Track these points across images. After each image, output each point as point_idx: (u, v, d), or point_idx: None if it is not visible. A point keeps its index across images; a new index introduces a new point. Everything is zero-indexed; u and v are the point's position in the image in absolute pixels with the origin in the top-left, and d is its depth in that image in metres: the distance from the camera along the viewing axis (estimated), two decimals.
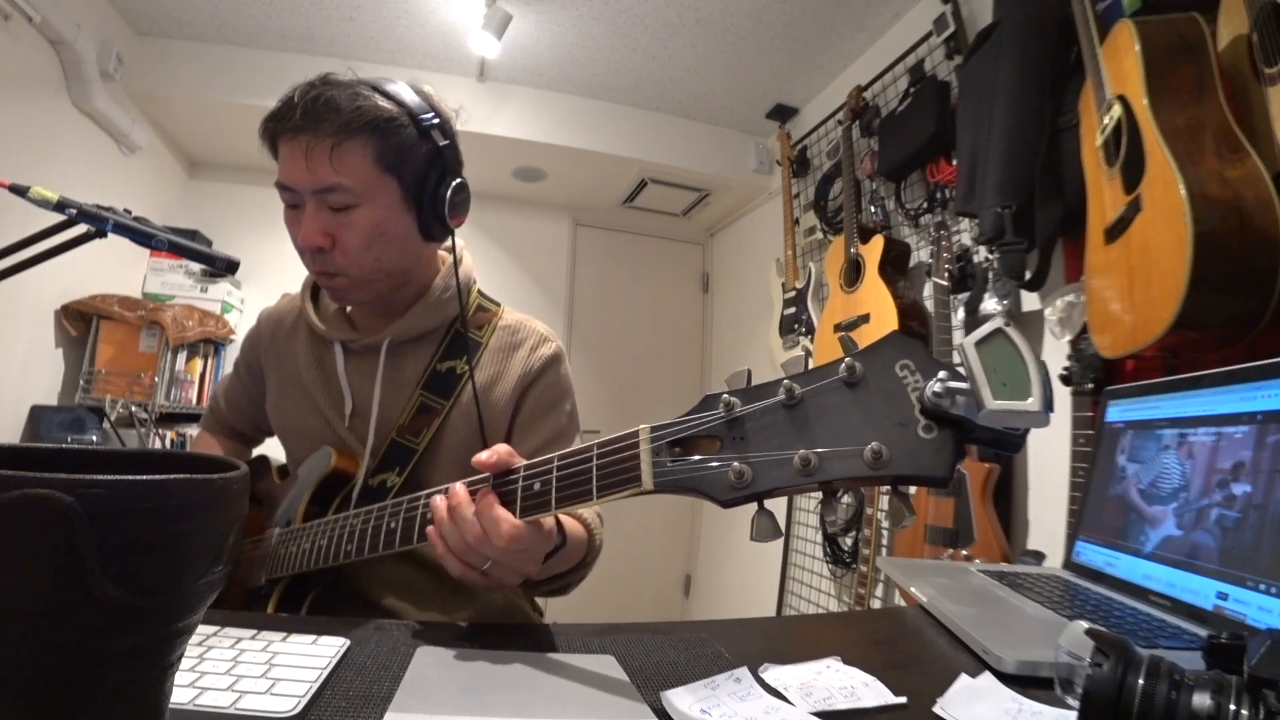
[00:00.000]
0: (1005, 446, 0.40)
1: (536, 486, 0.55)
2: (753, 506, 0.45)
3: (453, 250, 0.89)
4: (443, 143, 0.82)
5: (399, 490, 0.83)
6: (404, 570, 0.84)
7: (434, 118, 0.81)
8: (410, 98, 0.81)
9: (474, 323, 0.91)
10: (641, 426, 0.49)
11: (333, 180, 0.76)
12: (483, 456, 0.58)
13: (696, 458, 0.46)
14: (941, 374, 0.39)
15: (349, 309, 0.95)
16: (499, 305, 0.96)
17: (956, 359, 0.40)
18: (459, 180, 0.84)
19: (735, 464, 0.44)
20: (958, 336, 1.70)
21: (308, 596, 0.81)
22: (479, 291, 0.96)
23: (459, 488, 0.59)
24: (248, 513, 0.96)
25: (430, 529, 0.61)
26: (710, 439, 0.46)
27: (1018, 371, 0.37)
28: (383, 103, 0.78)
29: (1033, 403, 0.37)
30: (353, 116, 0.75)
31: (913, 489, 1.76)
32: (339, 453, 0.85)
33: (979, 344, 0.38)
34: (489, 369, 0.89)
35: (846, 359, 0.42)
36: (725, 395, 0.45)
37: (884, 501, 1.93)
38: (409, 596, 0.84)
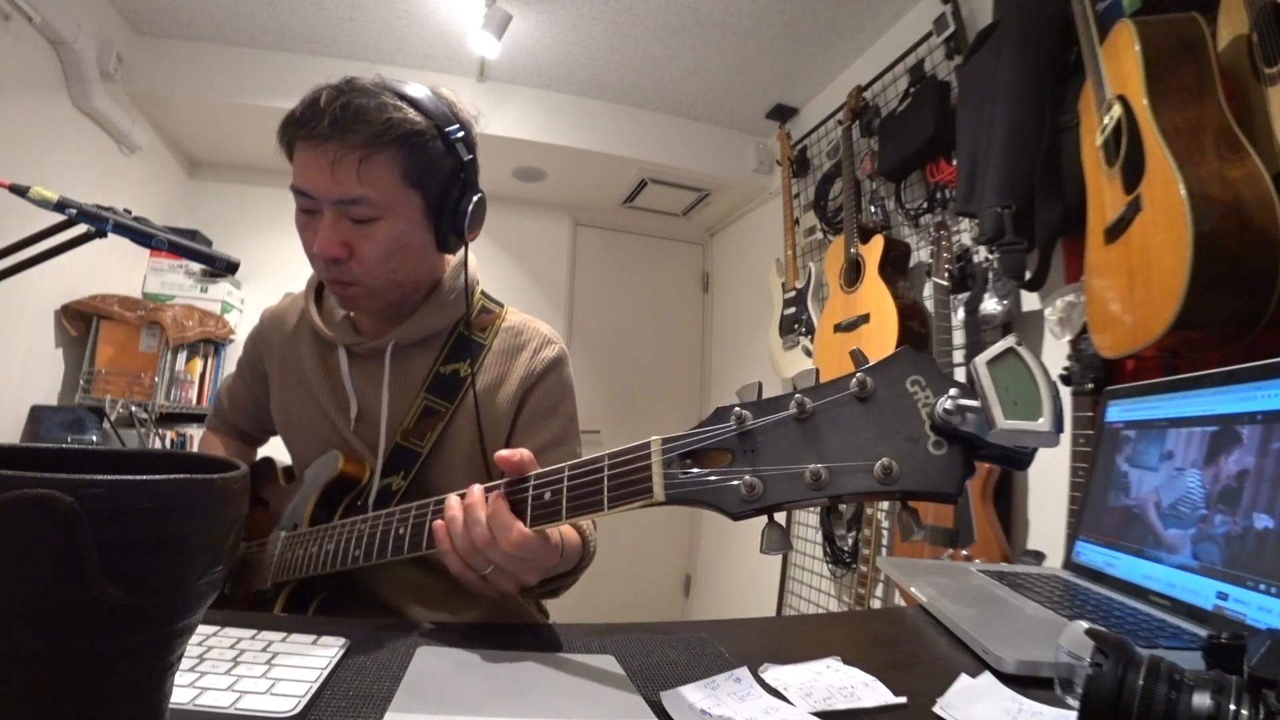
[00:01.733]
0: (1014, 463, 0.41)
1: (547, 496, 0.55)
2: (760, 517, 0.45)
3: (464, 261, 0.88)
4: (467, 156, 0.81)
5: (404, 494, 0.83)
6: (413, 572, 0.84)
7: (459, 130, 0.81)
8: (437, 107, 0.79)
9: (477, 325, 0.91)
10: (653, 438, 0.49)
11: (358, 193, 0.75)
12: (505, 452, 0.58)
13: (707, 470, 0.46)
14: (953, 391, 0.40)
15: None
16: (502, 306, 0.96)
17: (962, 376, 0.40)
18: (480, 195, 0.84)
19: (746, 477, 0.44)
20: (958, 336, 1.70)
21: (314, 600, 0.81)
22: (483, 293, 0.95)
23: (477, 489, 0.59)
24: (254, 515, 0.96)
25: (438, 523, 0.61)
26: (722, 451, 0.46)
27: (1029, 391, 0.38)
28: (412, 115, 0.76)
29: (1043, 423, 0.37)
30: (383, 129, 0.74)
31: None
32: (346, 457, 0.85)
33: (991, 363, 0.39)
34: (492, 371, 0.89)
35: (858, 374, 0.43)
36: (737, 408, 0.46)
37: (884, 502, 1.93)
38: (417, 597, 0.84)
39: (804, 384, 0.44)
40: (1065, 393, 1.34)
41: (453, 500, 0.61)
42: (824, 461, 0.42)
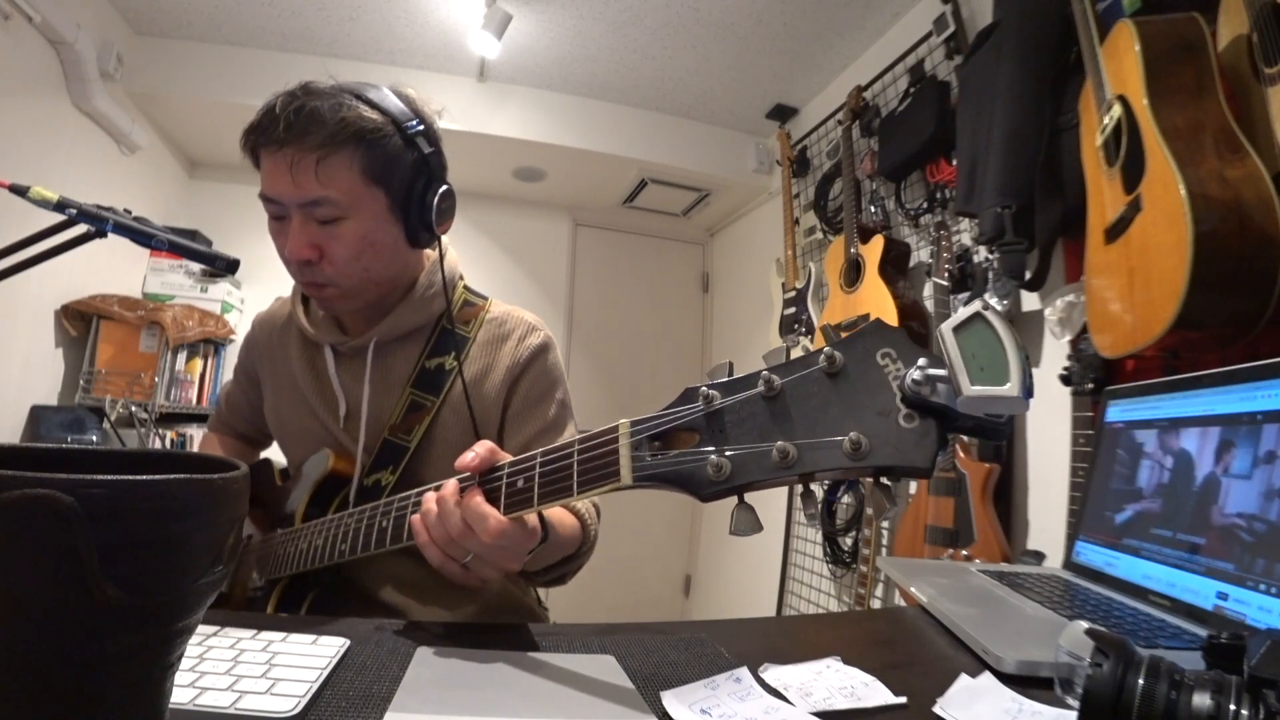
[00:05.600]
0: (989, 434, 0.39)
1: (520, 483, 0.55)
2: (731, 498, 0.45)
3: (439, 255, 0.89)
4: (428, 150, 0.81)
5: (393, 488, 0.83)
6: (406, 566, 0.84)
7: (418, 124, 0.81)
8: (394, 104, 0.80)
9: (460, 317, 0.91)
10: (622, 421, 0.49)
11: (319, 194, 0.75)
12: (466, 458, 0.58)
13: (676, 452, 0.45)
14: (921, 361, 0.39)
15: None
16: (486, 299, 0.96)
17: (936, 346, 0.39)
18: (445, 187, 0.84)
19: (713, 457, 0.43)
20: None
21: (307, 596, 0.81)
22: (465, 286, 0.95)
23: (450, 483, 0.60)
24: (250, 515, 0.97)
25: (414, 517, 0.61)
26: (690, 432, 0.46)
27: (996, 356, 0.36)
28: (367, 112, 0.77)
29: (1011, 387, 0.36)
30: (338, 129, 0.74)
31: (913, 484, 1.76)
32: (336, 454, 0.85)
33: (957, 329, 0.38)
34: (478, 363, 0.89)
35: (827, 348, 0.42)
36: (704, 388, 0.45)
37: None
38: (411, 592, 0.85)
39: (773, 361, 0.44)
40: (1065, 393, 1.34)
41: (428, 494, 0.61)
42: (792, 439, 0.41)
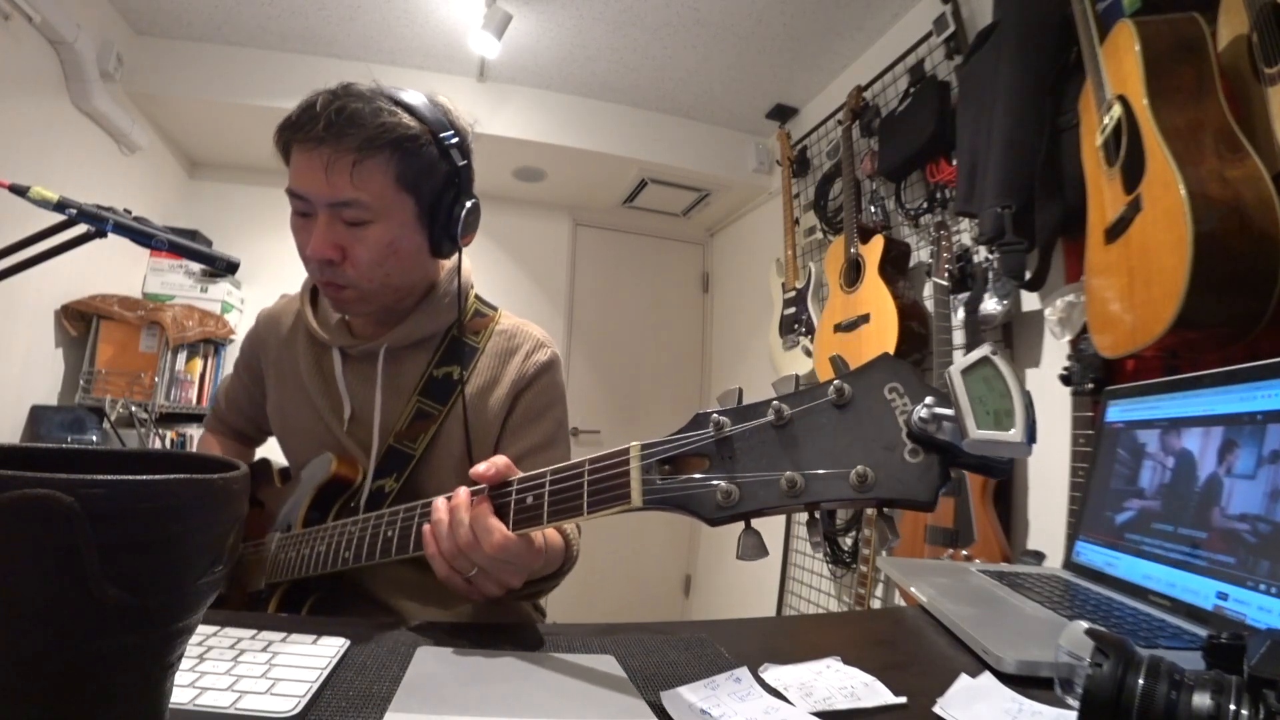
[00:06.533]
0: (992, 472, 0.40)
1: (529, 500, 0.56)
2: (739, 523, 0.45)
3: (458, 265, 0.89)
4: (461, 162, 0.82)
5: (396, 496, 0.83)
6: (406, 570, 0.84)
7: (454, 136, 0.81)
8: (432, 114, 0.80)
9: (470, 328, 0.91)
10: (633, 444, 0.49)
11: (351, 196, 0.76)
12: (481, 468, 0.58)
13: (685, 476, 0.46)
14: (929, 399, 0.40)
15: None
16: (496, 310, 0.96)
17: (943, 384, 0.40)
18: (473, 201, 0.85)
19: (722, 483, 0.44)
20: (958, 337, 1.70)
21: (308, 600, 0.81)
22: (476, 296, 0.96)
23: (463, 492, 0.60)
24: (250, 516, 0.96)
25: (426, 527, 0.61)
26: (700, 457, 0.46)
27: (1003, 401, 0.38)
28: (407, 119, 0.77)
29: (1015, 434, 0.37)
30: (377, 133, 0.75)
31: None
32: (339, 458, 0.85)
33: (965, 372, 0.39)
34: (485, 374, 0.89)
35: (836, 381, 0.43)
36: (715, 414, 0.46)
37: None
38: (410, 595, 0.84)
39: (783, 390, 0.45)
40: (1065, 393, 1.34)
41: (439, 503, 0.61)
42: (800, 469, 0.42)
